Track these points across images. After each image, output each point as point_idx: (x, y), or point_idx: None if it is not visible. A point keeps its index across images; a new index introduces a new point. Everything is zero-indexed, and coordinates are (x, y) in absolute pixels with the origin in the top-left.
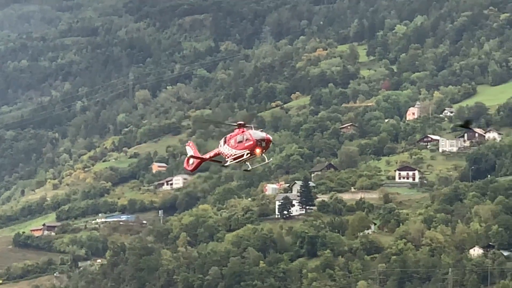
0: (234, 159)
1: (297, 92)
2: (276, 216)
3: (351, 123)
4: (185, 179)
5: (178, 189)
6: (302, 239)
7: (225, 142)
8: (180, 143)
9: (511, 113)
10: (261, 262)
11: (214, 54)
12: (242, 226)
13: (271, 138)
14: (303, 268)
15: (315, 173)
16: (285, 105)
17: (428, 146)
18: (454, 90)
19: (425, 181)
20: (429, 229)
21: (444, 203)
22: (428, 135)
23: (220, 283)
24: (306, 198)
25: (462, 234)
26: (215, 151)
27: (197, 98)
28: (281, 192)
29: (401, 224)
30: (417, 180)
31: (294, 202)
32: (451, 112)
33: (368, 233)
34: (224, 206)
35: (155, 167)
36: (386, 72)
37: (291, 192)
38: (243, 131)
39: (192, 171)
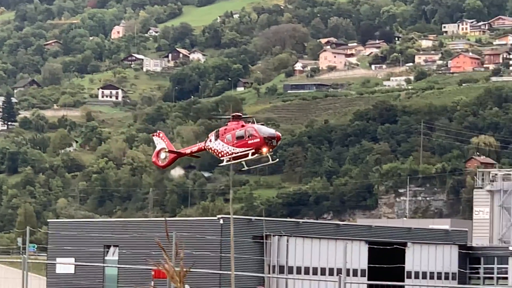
0: (234, 158)
1: (1, 8)
2: None
3: (55, 40)
4: None
5: None
6: (2, 155)
7: (217, 137)
8: None
9: (216, 34)
10: None
11: None
12: None
13: (280, 135)
14: (3, 184)
15: (18, 89)
16: None
17: (132, 65)
18: (160, 10)
19: (128, 100)
20: (131, 148)
21: (147, 122)
22: (133, 54)
23: None
24: (8, 114)
25: None
26: (200, 145)
27: None
28: None
29: (103, 142)
30: (120, 99)
31: None
32: (156, 32)
33: (70, 150)
34: None
35: None
36: None
37: None
38: (242, 125)
39: (164, 168)
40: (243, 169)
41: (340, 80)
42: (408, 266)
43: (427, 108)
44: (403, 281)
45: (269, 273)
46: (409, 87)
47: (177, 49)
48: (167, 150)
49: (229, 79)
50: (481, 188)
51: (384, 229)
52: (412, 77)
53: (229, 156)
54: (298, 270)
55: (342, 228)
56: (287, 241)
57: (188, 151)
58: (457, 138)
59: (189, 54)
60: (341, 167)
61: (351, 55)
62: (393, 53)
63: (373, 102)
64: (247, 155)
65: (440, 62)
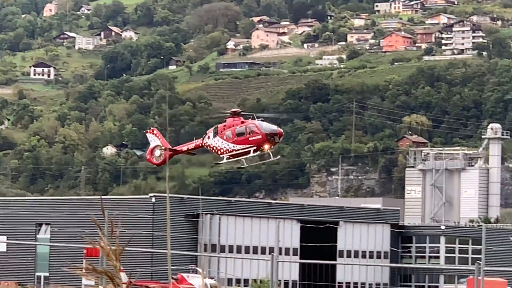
0: (234, 156)
1: None
2: None
3: None
4: None
5: None
6: None
7: (216, 133)
8: None
9: (148, 12)
10: None
11: None
12: None
13: (282, 131)
14: None
15: None
16: None
17: (64, 43)
18: None
19: (60, 78)
20: (63, 127)
21: (79, 101)
22: (65, 32)
23: None
24: None
25: (96, 133)
26: (197, 143)
27: None
28: None
29: (35, 120)
30: (52, 77)
31: None
32: (88, 10)
33: (2, 128)
34: None
35: None
36: None
37: None
38: (242, 122)
39: (159, 165)
40: (243, 166)
41: (272, 58)
42: (340, 245)
43: (359, 87)
44: (335, 259)
45: (201, 251)
46: (342, 66)
47: (110, 27)
48: (162, 147)
49: (161, 57)
50: (413, 167)
51: (316, 208)
52: (344, 56)
53: (229, 154)
54: (231, 249)
55: (274, 207)
56: (220, 219)
57: (184, 148)
58: (389, 117)
59: (121, 32)
60: None
61: (284, 33)
62: (325, 32)
63: (305, 81)
64: (248, 152)
65: (372, 41)
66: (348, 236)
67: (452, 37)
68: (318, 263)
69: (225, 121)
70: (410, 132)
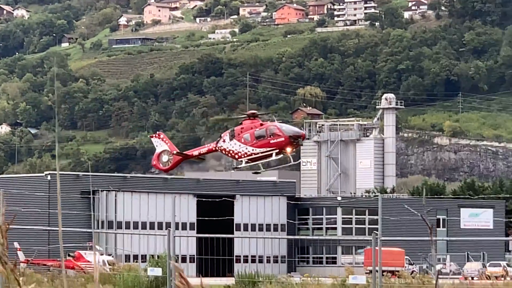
0: (254, 159)
1: None
2: None
3: None
4: None
5: None
6: None
7: (233, 136)
8: None
9: None
10: None
11: None
12: None
13: (305, 133)
14: None
15: None
16: None
17: None
18: None
19: None
20: None
21: None
22: None
23: None
24: None
25: None
26: (210, 146)
27: None
28: None
29: None
30: None
31: None
32: None
33: None
34: None
35: None
36: None
37: None
38: (260, 124)
39: (167, 171)
40: (259, 171)
41: (165, 34)
42: (237, 218)
43: (252, 60)
44: (232, 233)
45: (97, 228)
46: (234, 39)
47: (1, 5)
48: (171, 152)
49: (54, 35)
50: (308, 139)
51: (212, 182)
52: (237, 30)
53: (248, 157)
54: (127, 225)
55: (170, 182)
56: (115, 196)
57: (196, 152)
58: (283, 89)
59: (12, 10)
60: (168, 120)
61: (176, 8)
62: (217, 6)
63: (198, 56)
64: (270, 155)
65: (264, 14)
66: (245, 210)
67: (344, 8)
68: (215, 237)
69: (241, 123)
70: (304, 104)
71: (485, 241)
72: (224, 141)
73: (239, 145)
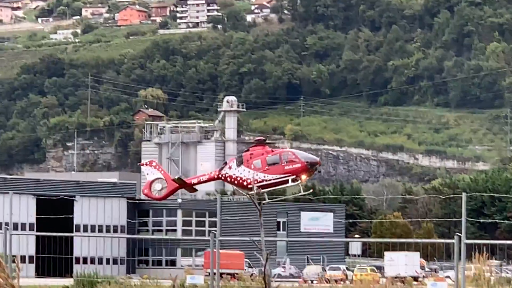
0: (265, 186)
1: None
2: None
3: None
4: None
5: None
6: None
7: (240, 163)
8: None
9: None
10: None
11: None
12: None
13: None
14: None
15: None
16: None
17: None
18: None
19: None
20: None
21: None
22: None
23: None
24: None
25: None
26: (212, 174)
27: None
28: None
29: None
30: None
31: None
32: None
33: None
34: None
35: None
36: None
37: None
38: (272, 150)
39: (161, 200)
40: (264, 202)
41: (6, 33)
42: (77, 219)
43: (94, 61)
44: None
45: None
46: (76, 40)
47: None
48: (167, 180)
49: None
50: (149, 140)
51: (52, 183)
52: (79, 30)
53: (260, 184)
54: None
55: (10, 182)
56: None
57: (195, 180)
58: (124, 91)
59: None
60: (8, 121)
61: (18, 8)
62: (60, 6)
63: (40, 56)
64: (284, 182)
65: (107, 15)
66: (85, 210)
67: (187, 11)
68: (54, 236)
69: (248, 150)
70: (146, 105)
71: (325, 245)
72: (230, 167)
73: (248, 172)
